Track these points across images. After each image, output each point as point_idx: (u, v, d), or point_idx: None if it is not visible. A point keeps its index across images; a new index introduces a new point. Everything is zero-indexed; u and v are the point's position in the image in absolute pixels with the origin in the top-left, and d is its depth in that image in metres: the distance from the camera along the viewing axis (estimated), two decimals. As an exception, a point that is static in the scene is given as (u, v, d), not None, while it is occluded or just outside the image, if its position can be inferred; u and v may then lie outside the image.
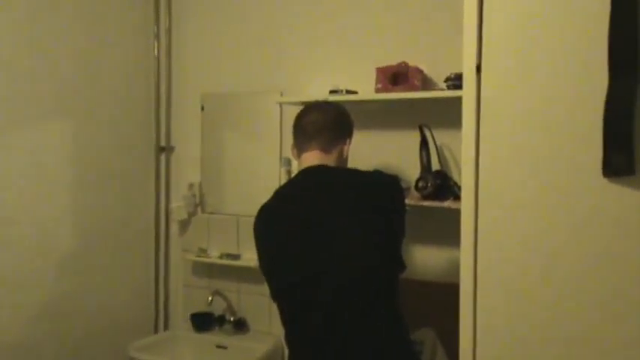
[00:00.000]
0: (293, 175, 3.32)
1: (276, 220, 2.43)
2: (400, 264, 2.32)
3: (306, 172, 2.46)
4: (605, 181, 1.48)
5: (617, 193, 1.48)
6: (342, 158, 2.54)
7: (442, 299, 2.42)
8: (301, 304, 2.33)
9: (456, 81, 2.88)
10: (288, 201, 2.44)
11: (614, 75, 1.44)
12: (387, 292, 2.28)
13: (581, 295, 1.54)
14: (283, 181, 3.41)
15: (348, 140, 2.56)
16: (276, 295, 2.40)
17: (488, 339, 1.67)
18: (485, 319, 1.67)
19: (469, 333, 1.70)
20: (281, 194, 2.50)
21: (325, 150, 2.49)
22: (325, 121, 2.52)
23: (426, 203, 2.93)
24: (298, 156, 2.54)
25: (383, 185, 2.40)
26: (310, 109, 2.58)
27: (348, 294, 2.23)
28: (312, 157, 2.48)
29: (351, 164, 2.60)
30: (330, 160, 2.48)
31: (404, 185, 3.04)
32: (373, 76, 3.14)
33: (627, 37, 1.43)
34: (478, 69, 1.63)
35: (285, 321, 2.40)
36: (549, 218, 1.57)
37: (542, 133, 1.56)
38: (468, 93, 1.65)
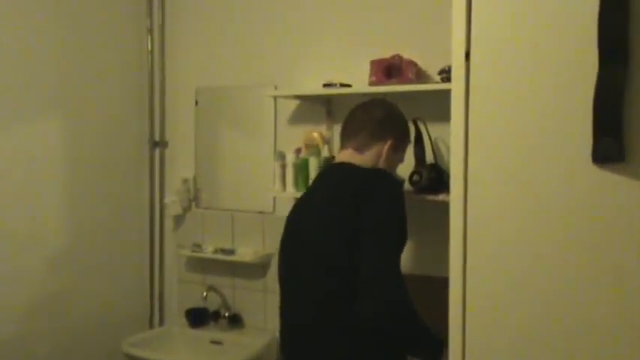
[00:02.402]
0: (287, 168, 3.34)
1: (292, 210, 2.58)
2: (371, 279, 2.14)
3: (328, 168, 2.69)
4: (595, 168, 1.46)
5: (607, 180, 1.46)
6: (379, 160, 2.51)
7: (440, 294, 2.38)
8: (281, 292, 2.52)
9: (449, 73, 2.83)
10: (303, 195, 2.62)
11: (604, 62, 1.42)
12: (339, 303, 2.26)
13: (573, 283, 1.52)
14: (277, 175, 3.39)
15: (390, 142, 2.51)
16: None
17: (477, 332, 1.65)
18: (475, 312, 1.65)
19: (458, 327, 1.68)
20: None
21: (358, 150, 2.50)
22: (365, 122, 2.53)
23: (421, 197, 2.91)
24: (339, 151, 2.60)
25: (361, 190, 2.29)
26: (358, 106, 2.61)
27: (307, 295, 2.38)
28: (344, 156, 2.53)
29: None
30: (362, 161, 2.48)
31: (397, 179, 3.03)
32: (367, 69, 3.11)
33: (616, 25, 1.41)
34: (467, 55, 1.61)
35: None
36: (540, 207, 1.54)
37: (532, 120, 1.54)
38: (456, 80, 1.63)
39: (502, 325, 1.61)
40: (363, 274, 2.13)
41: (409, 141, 2.71)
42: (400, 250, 2.27)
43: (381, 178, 2.37)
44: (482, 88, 1.60)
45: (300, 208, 2.54)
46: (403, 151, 2.64)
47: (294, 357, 2.45)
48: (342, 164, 2.51)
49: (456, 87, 1.63)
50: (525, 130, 1.55)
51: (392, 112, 2.59)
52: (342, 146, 2.57)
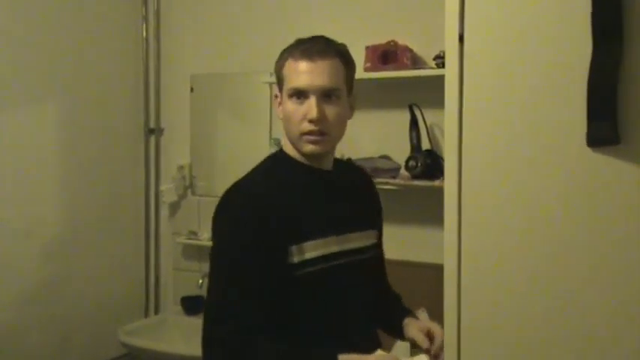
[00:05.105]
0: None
1: None
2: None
3: None
4: (589, 151, 1.44)
5: (602, 163, 1.43)
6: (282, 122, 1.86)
7: (435, 281, 2.36)
8: None
9: (444, 59, 2.83)
10: None
11: (598, 41, 1.39)
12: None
13: (568, 268, 1.50)
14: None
15: (275, 94, 1.88)
16: None
17: (472, 319, 1.63)
18: (470, 298, 1.63)
19: (454, 313, 1.66)
20: None
21: None
22: None
23: (416, 182, 2.90)
24: None
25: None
26: None
27: None
28: None
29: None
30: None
31: (392, 166, 3.01)
32: (362, 54, 3.09)
33: (611, 2, 1.38)
34: (461, 38, 1.58)
35: None
36: (534, 192, 1.53)
37: (526, 103, 1.52)
38: (450, 62, 1.61)
39: (497, 311, 1.60)
40: None
41: (294, 58, 1.88)
42: (252, 276, 1.73)
43: (220, 202, 1.83)
44: (476, 71, 1.58)
45: None
46: (294, 92, 1.82)
47: None
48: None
49: (450, 69, 1.61)
50: (520, 113, 1.53)
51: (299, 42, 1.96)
52: None
